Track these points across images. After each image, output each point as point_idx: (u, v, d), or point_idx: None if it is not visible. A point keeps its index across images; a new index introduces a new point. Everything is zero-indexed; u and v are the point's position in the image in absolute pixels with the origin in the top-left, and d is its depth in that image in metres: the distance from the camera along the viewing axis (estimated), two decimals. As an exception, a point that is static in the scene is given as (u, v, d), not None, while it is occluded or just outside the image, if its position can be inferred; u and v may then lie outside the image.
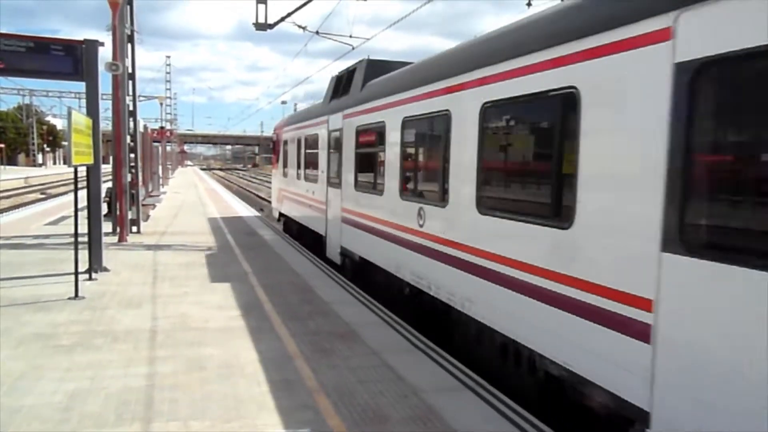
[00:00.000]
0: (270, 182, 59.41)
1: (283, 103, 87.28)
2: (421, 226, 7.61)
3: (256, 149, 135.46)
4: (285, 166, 18.06)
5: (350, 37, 17.36)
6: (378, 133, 9.41)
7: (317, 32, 16.98)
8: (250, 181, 67.98)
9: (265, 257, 12.35)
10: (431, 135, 7.68)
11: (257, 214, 22.54)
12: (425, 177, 7.98)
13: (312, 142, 14.24)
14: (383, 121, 9.05)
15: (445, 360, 6.28)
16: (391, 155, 8.75)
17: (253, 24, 15.79)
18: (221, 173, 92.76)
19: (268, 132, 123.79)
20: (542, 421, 4.91)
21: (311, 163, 14.33)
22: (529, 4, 15.83)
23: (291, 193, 17.07)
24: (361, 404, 5.06)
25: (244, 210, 23.54)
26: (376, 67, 10.85)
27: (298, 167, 15.79)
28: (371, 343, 6.77)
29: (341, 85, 12.21)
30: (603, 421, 4.63)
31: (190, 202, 26.48)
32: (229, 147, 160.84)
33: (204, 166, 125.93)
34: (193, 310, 7.98)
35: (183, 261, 11.61)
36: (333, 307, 8.31)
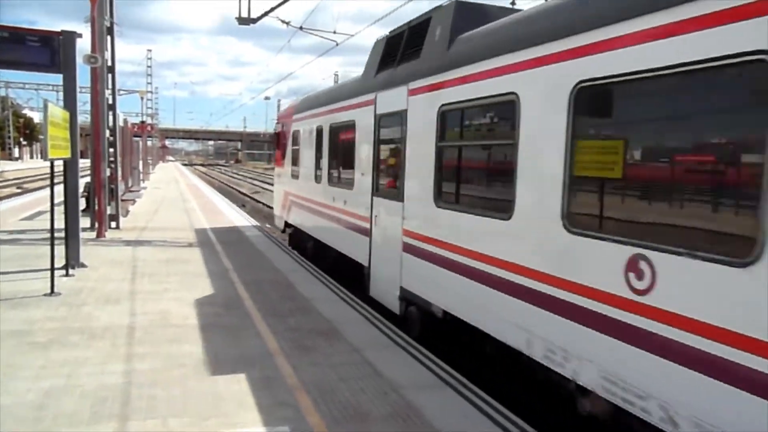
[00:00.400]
0: (255, 179, 59.05)
1: (267, 98, 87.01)
2: (641, 292, 3.91)
3: (239, 145, 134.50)
4: (295, 164, 13.97)
5: (334, 33, 17.32)
6: (494, 113, 6.04)
7: (301, 27, 16.91)
8: (232, 176, 67.46)
9: (247, 254, 12.26)
10: (697, 109, 3.91)
11: (239, 210, 22.39)
12: (665, 195, 4.00)
13: (344, 133, 10.32)
14: (514, 93, 5.37)
15: (425, 357, 6.30)
16: (537, 151, 5.08)
17: (236, 18, 15.67)
18: (203, 169, 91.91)
19: (252, 127, 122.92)
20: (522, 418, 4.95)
21: (342, 161, 10.58)
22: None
23: (306, 200, 12.89)
24: (342, 401, 5.05)
25: (225, 206, 23.36)
26: (469, 14, 7.04)
27: (319, 166, 11.77)
28: (352, 339, 6.76)
29: (400, 47, 8.33)
30: None
31: (171, 197, 26.20)
32: (211, 142, 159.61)
33: (186, 162, 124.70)
34: (172, 306, 7.89)
35: (163, 257, 11.48)
36: (314, 304, 8.28)
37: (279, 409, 4.84)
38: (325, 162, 11.37)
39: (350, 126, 9.87)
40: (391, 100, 8.17)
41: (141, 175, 32.09)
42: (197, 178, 49.12)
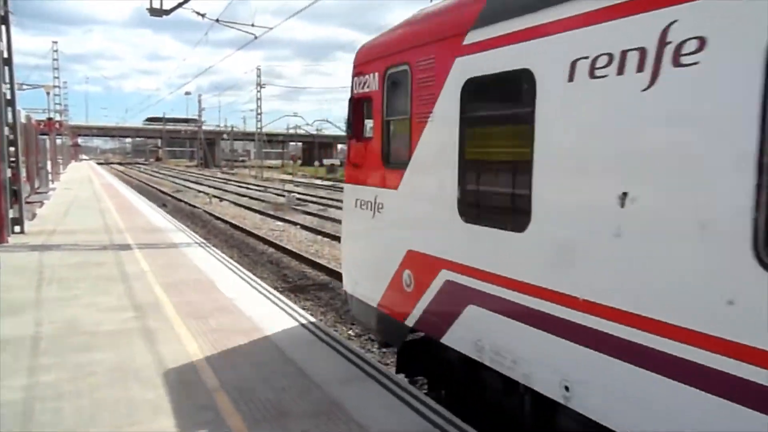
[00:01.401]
0: (176, 177, 56.65)
1: (187, 93, 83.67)
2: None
3: (159, 142, 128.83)
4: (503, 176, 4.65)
5: (252, 26, 16.92)
6: None
7: (217, 20, 16.39)
8: (152, 175, 64.65)
9: (166, 255, 11.78)
10: None
11: (159, 209, 21.51)
12: None
13: None
14: None
15: (347, 350, 6.29)
16: None
17: (147, 9, 14.97)
18: (121, 168, 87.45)
19: (172, 124, 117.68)
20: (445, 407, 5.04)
21: None
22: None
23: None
24: (263, 401, 4.96)
25: (144, 206, 22.35)
26: None
27: None
28: (274, 338, 6.65)
29: None
30: None
31: (84, 198, 24.76)
32: (128, 140, 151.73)
33: (101, 161, 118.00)
34: (83, 313, 7.46)
35: (73, 261, 10.83)
36: (236, 303, 8.08)
37: (199, 413, 4.70)
38: None
39: None
40: None
41: (50, 176, 30.14)
42: (114, 177, 46.67)
